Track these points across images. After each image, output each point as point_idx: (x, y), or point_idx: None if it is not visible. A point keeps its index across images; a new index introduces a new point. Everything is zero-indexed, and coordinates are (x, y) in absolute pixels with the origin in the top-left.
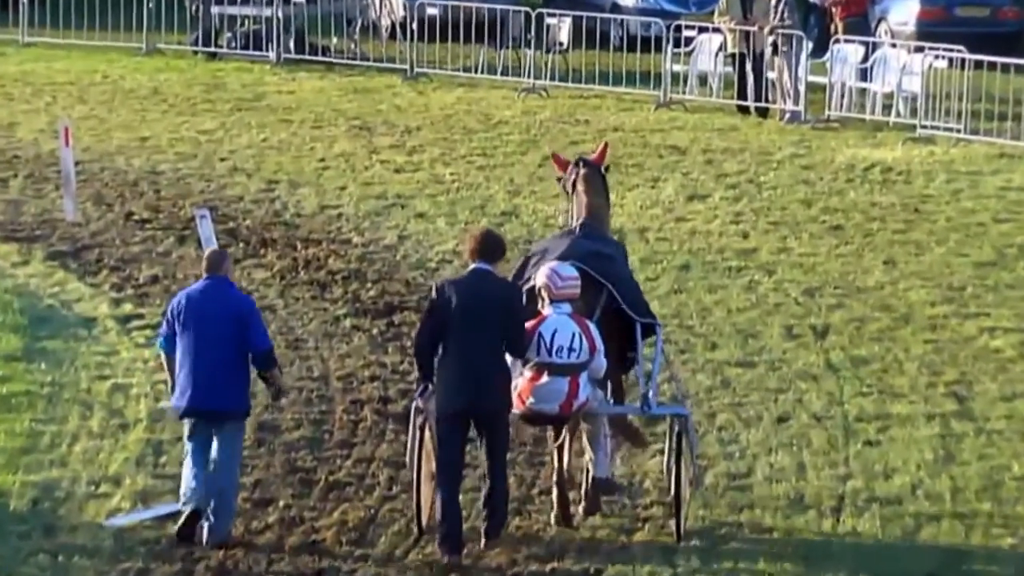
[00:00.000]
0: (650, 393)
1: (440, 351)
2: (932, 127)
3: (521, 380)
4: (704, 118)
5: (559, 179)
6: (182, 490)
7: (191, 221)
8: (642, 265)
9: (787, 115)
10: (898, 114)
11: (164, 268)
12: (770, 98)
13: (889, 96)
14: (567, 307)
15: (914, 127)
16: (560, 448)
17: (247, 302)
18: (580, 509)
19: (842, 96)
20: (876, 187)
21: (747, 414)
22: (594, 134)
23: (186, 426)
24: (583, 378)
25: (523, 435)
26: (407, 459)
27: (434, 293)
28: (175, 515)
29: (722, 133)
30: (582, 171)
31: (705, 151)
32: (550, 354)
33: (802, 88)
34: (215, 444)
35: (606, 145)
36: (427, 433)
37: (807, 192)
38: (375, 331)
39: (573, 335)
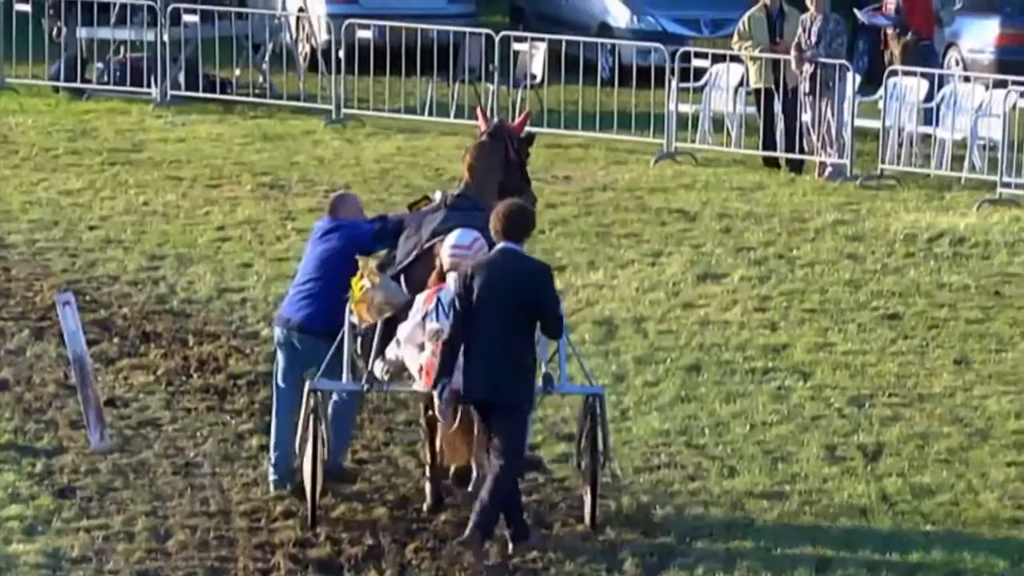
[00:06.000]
0: (558, 372)
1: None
2: (1017, 185)
3: (424, 354)
4: (720, 173)
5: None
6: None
7: (51, 309)
8: (638, 366)
9: (828, 170)
10: (973, 168)
11: (16, 371)
12: (806, 148)
13: (961, 145)
14: None
15: (994, 185)
16: (431, 420)
17: (333, 229)
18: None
19: (900, 145)
20: (944, 264)
21: (776, 563)
22: (577, 194)
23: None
24: None
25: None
26: (297, 447)
27: (461, 279)
28: None
29: (743, 193)
30: (479, 139)
31: (721, 216)
32: (448, 318)
33: (847, 134)
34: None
35: (527, 114)
36: (321, 422)
37: (854, 270)
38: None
39: None
